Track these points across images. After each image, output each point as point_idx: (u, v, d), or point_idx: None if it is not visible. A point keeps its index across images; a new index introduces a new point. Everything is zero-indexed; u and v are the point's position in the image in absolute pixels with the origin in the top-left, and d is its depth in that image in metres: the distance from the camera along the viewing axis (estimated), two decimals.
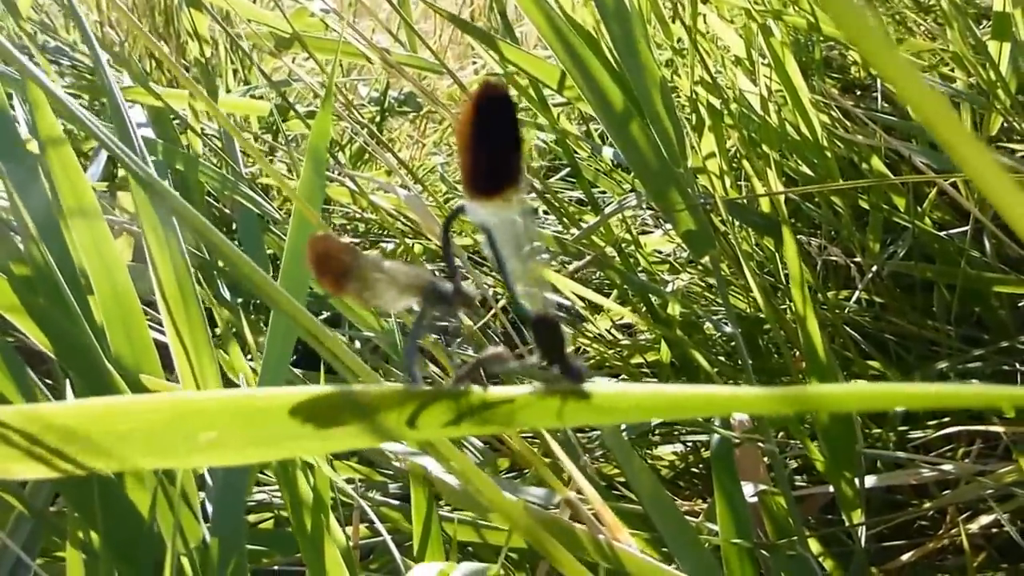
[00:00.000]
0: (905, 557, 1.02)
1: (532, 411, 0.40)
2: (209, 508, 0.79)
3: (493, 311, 1.21)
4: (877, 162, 1.27)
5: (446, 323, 0.44)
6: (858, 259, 1.29)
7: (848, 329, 1.23)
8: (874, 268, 1.26)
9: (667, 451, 1.25)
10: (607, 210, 1.31)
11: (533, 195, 1.46)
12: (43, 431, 0.37)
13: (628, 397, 0.39)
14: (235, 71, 2.09)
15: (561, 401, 0.39)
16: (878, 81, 1.44)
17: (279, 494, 0.79)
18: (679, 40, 1.41)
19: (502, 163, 0.39)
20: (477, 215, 0.40)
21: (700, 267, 1.38)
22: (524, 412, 0.40)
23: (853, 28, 0.23)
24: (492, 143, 0.38)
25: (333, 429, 0.39)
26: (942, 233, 1.24)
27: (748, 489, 0.90)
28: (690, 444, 1.24)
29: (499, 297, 1.28)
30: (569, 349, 0.41)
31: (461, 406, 0.39)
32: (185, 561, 0.76)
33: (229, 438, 0.39)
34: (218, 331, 1.04)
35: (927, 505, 1.04)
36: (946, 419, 1.11)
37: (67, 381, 0.82)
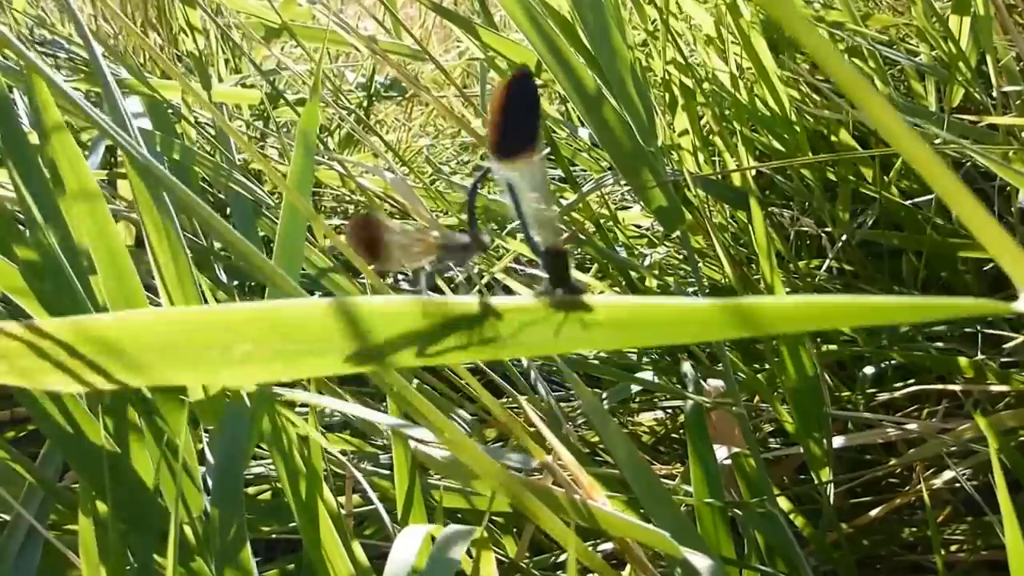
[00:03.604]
0: (873, 513, 1.06)
1: (537, 326, 0.45)
2: (210, 481, 0.83)
3: (477, 287, 1.26)
4: (845, 135, 1.31)
5: (463, 264, 0.52)
6: (829, 229, 1.33)
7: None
8: (844, 237, 1.30)
9: (648, 418, 1.28)
10: (585, 188, 1.35)
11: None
12: (80, 342, 0.40)
13: (622, 308, 0.43)
14: (226, 60, 2.12)
15: (563, 316, 0.44)
16: (846, 56, 1.47)
17: (275, 466, 0.82)
18: (653, 21, 1.44)
19: (526, 133, 0.47)
20: (501, 174, 0.48)
21: (676, 240, 1.42)
22: (531, 329, 0.45)
23: (780, 11, 0.27)
24: (518, 117, 0.47)
25: (352, 345, 0.43)
26: (909, 202, 1.27)
27: (722, 452, 0.94)
28: (669, 411, 1.27)
29: (483, 274, 1.31)
30: (573, 275, 0.48)
31: (472, 319, 0.44)
32: (188, 530, 0.80)
33: (258, 352, 0.42)
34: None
35: (893, 462, 1.08)
36: (911, 380, 1.15)
37: None
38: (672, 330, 0.44)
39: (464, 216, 1.44)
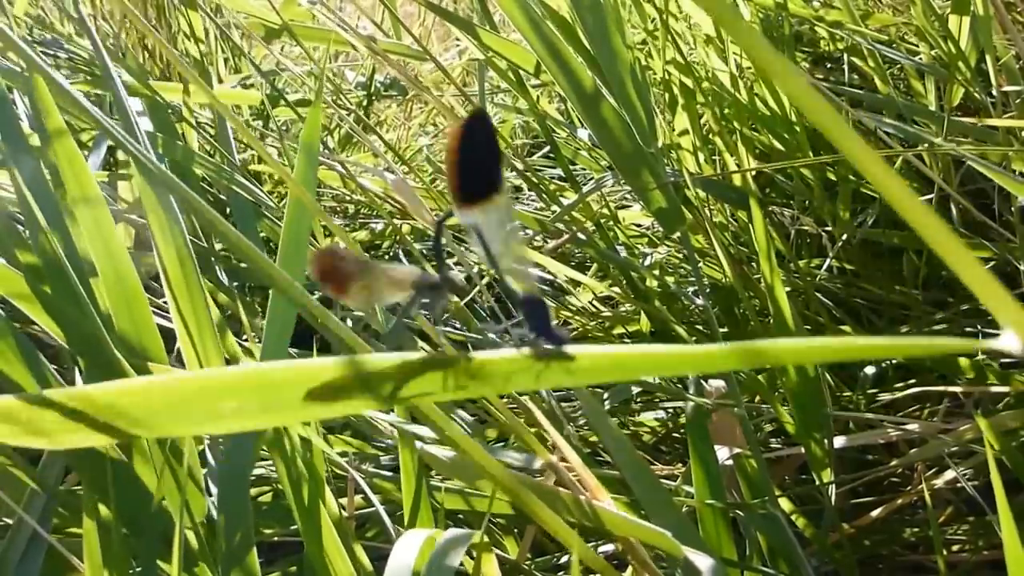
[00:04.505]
0: (875, 513, 1.06)
1: (519, 374, 0.45)
2: (212, 485, 0.83)
3: (478, 287, 1.26)
4: None
5: (436, 306, 0.50)
6: (829, 228, 1.33)
7: (820, 296, 1.27)
8: (844, 236, 1.30)
9: (649, 417, 1.28)
10: (585, 188, 1.35)
11: (515, 173, 1.50)
12: (88, 407, 0.41)
13: (605, 357, 0.44)
14: (226, 60, 2.12)
15: (545, 364, 0.44)
16: (845, 55, 1.47)
17: (276, 469, 0.83)
18: (653, 20, 1.44)
19: (487, 176, 0.45)
20: (466, 218, 0.46)
21: (677, 239, 1.42)
22: (513, 376, 0.46)
23: (728, 25, 0.27)
24: (477, 160, 0.45)
25: (336, 397, 0.44)
26: None
27: (723, 453, 0.94)
28: (670, 411, 1.27)
29: (483, 274, 1.31)
30: (553, 322, 0.47)
31: (451, 372, 0.44)
32: (191, 535, 0.80)
33: (246, 408, 0.44)
34: (214, 314, 1.08)
35: (894, 463, 1.08)
36: (912, 380, 1.16)
37: (76, 367, 0.86)
38: (650, 370, 0.45)
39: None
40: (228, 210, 1.32)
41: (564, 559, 1.00)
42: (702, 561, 0.69)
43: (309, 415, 0.48)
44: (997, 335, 0.90)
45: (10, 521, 0.80)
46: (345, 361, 0.43)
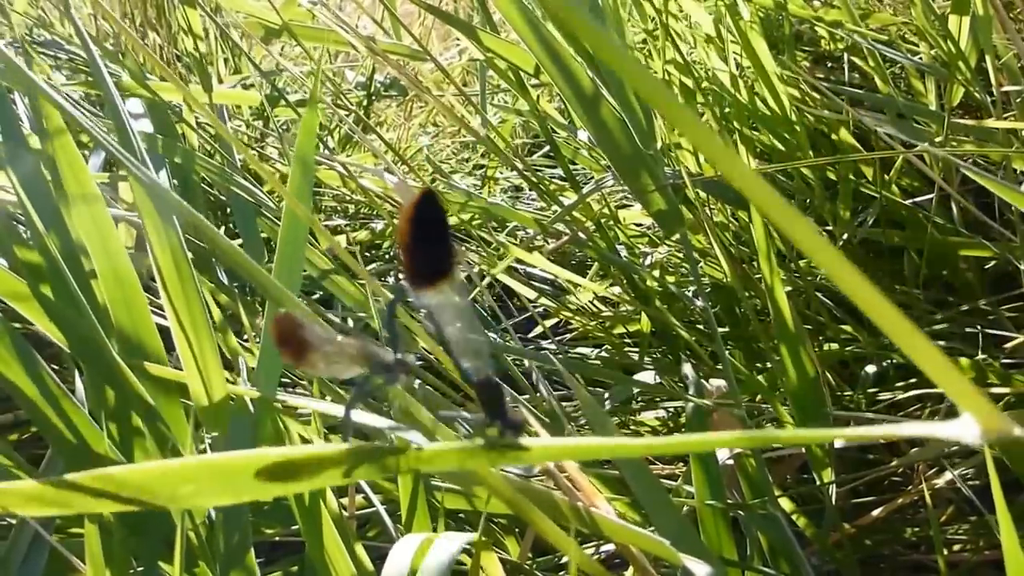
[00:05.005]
0: (875, 512, 1.06)
1: (470, 460, 0.47)
2: None
3: (478, 288, 1.26)
4: (845, 134, 1.31)
5: (390, 385, 0.50)
6: (829, 227, 1.33)
7: (820, 296, 1.27)
8: (845, 236, 1.30)
9: (649, 417, 1.28)
10: (585, 188, 1.35)
11: (515, 173, 1.49)
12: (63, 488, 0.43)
13: (552, 449, 0.45)
14: (225, 60, 2.12)
15: (498, 453, 0.44)
16: (846, 55, 1.47)
17: None
18: (652, 20, 1.44)
19: (438, 258, 0.45)
20: (420, 300, 0.46)
21: (677, 240, 1.42)
22: (465, 461, 0.47)
23: (591, 39, 0.27)
24: (428, 241, 0.44)
25: (293, 479, 0.44)
26: (909, 201, 1.27)
27: (723, 453, 0.94)
28: (670, 411, 1.27)
29: (484, 275, 1.32)
30: (508, 406, 0.47)
31: (400, 459, 0.45)
32: (191, 535, 0.80)
33: (207, 490, 0.45)
34: (215, 315, 1.08)
35: (894, 462, 1.08)
36: (913, 380, 1.16)
37: (76, 371, 0.86)
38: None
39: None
40: (228, 209, 1.32)
41: (565, 559, 1.00)
42: (700, 568, 0.69)
43: (261, 494, 0.50)
44: (997, 334, 0.90)
45: (12, 522, 0.80)
46: (294, 451, 0.44)
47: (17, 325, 0.82)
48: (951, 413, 1.08)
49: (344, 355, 0.47)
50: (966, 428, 0.29)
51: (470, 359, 0.48)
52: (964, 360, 1.07)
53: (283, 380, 1.12)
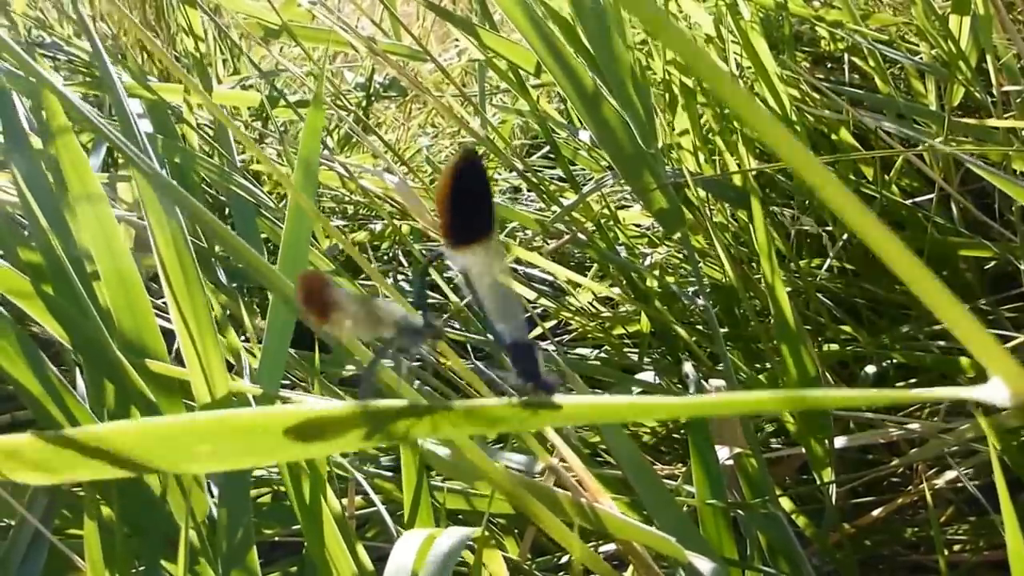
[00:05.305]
0: (875, 513, 1.06)
1: (504, 421, 0.45)
2: (212, 484, 0.83)
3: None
4: (845, 134, 1.31)
5: (413, 350, 0.49)
6: (829, 227, 1.33)
7: (820, 295, 1.27)
8: (845, 236, 1.30)
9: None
10: (585, 189, 1.35)
11: (515, 174, 1.50)
12: (76, 447, 0.42)
13: (588, 407, 0.44)
14: (224, 61, 2.12)
15: (532, 412, 0.44)
16: (846, 55, 1.47)
17: (277, 469, 0.82)
18: None
19: (479, 218, 0.45)
20: (457, 262, 0.46)
21: (677, 239, 1.42)
22: (498, 422, 0.45)
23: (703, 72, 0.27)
24: (468, 202, 0.44)
25: (313, 440, 0.44)
26: (910, 201, 1.27)
27: (723, 453, 0.94)
28: None
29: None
30: (543, 367, 0.46)
31: (431, 418, 0.44)
32: (193, 534, 0.80)
33: (219, 451, 0.43)
34: (216, 313, 1.07)
35: (895, 462, 1.08)
36: (913, 380, 1.16)
37: (78, 367, 0.86)
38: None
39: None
40: (228, 210, 1.32)
41: (565, 559, 1.00)
42: (704, 564, 0.69)
43: (283, 457, 0.49)
44: (997, 334, 0.91)
45: (12, 522, 0.80)
46: (321, 409, 0.43)
47: (20, 324, 0.82)
48: (951, 413, 1.08)
49: (370, 316, 0.47)
50: (996, 390, 0.29)
51: (505, 321, 0.47)
52: (965, 359, 1.07)
53: (284, 381, 1.12)
